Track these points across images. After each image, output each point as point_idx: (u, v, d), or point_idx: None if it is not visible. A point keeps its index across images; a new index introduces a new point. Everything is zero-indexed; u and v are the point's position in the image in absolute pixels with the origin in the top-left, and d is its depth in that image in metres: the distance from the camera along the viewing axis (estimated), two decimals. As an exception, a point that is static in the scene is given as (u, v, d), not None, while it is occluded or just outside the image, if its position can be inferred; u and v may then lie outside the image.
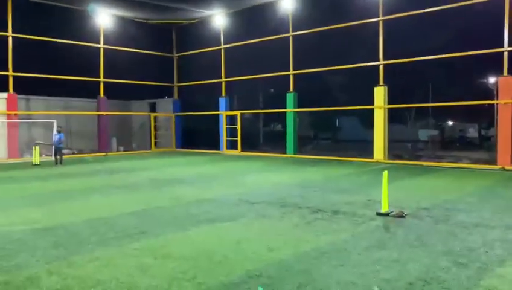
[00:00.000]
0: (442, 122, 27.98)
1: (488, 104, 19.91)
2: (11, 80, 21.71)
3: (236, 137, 25.18)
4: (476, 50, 17.00)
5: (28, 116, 24.13)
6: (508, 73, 16.13)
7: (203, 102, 28.06)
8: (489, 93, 21.63)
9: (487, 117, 24.69)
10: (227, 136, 26.01)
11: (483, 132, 26.30)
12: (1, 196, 10.63)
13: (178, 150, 28.70)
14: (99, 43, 25.15)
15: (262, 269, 5.13)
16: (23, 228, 7.25)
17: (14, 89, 21.92)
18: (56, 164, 18.86)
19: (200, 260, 5.50)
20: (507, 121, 16.05)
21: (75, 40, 24.07)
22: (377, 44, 19.33)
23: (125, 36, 26.17)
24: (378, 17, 19.22)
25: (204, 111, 27.44)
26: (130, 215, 8.21)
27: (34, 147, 19.67)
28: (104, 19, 24.95)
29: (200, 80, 27.79)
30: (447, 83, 22.89)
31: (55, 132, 20.04)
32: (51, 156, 20.35)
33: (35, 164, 18.90)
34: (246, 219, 7.87)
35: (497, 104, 16.92)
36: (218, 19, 25.77)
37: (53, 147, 19.52)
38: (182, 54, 28.97)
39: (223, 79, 26.14)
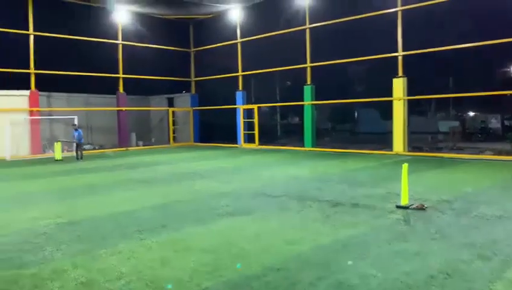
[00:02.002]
0: (463, 113, 27.46)
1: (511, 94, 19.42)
2: (32, 77, 22.15)
3: (254, 131, 25.21)
4: (498, 39, 16.59)
5: (50, 113, 24.62)
6: (532, 62, 15.72)
7: (220, 96, 28.13)
8: (512, 82, 21.11)
9: (510, 107, 24.14)
10: (244, 130, 26.06)
11: (506, 123, 25.72)
12: (26, 191, 10.91)
13: (196, 144, 28.91)
14: (117, 39, 25.43)
15: (281, 262, 5.16)
16: (48, 222, 7.43)
17: (36, 86, 22.37)
18: (77, 159, 19.26)
19: (220, 253, 5.56)
20: (531, 111, 15.66)
21: (94, 37, 24.41)
22: (396, 35, 19.05)
23: (143, 32, 26.40)
24: (397, 7, 18.93)
25: (222, 105, 27.52)
26: (151, 209, 8.34)
27: (55, 143, 20.10)
28: (122, 15, 25.22)
29: (217, 75, 27.85)
30: (468, 73, 22.42)
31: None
32: (73, 151, 20.77)
33: (57, 160, 19.31)
34: (265, 212, 7.90)
35: (520, 93, 16.52)
36: (235, 13, 25.77)
37: (75, 143, 19.94)
38: (199, 48, 29.08)
39: (240, 73, 26.15)
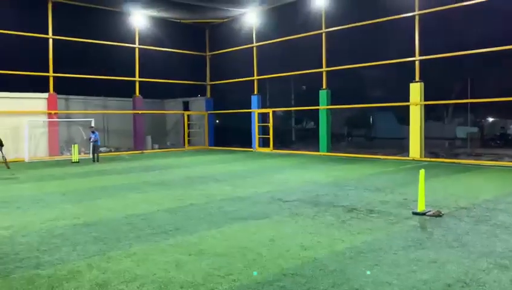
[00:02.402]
0: (481, 119, 27.00)
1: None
2: (51, 80, 22.54)
3: (269, 135, 25.20)
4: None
5: (67, 116, 25.00)
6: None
7: (235, 100, 28.22)
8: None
9: (530, 113, 23.65)
10: (259, 134, 26.07)
11: (526, 129, 25.18)
12: (44, 192, 11.07)
13: (211, 147, 29.01)
14: (134, 43, 25.73)
15: (296, 267, 5.13)
16: (65, 223, 7.53)
17: (54, 89, 22.74)
18: (94, 161, 19.49)
19: (234, 257, 5.55)
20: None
21: (111, 40, 24.75)
22: (413, 39, 18.85)
23: (160, 36, 26.67)
24: (414, 11, 18.75)
25: (237, 109, 27.60)
26: (166, 212, 8.38)
27: (73, 146, 20.39)
28: (139, 19, 25.52)
29: (232, 78, 27.95)
30: (487, 78, 22.07)
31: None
32: (89, 154, 21.04)
33: (74, 162, 19.56)
34: (279, 217, 7.87)
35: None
36: (251, 17, 25.85)
37: (91, 145, 20.22)
38: (215, 52, 29.23)
39: (255, 77, 26.20)
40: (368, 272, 4.88)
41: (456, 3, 17.61)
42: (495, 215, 7.73)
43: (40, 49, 22.33)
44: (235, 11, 25.61)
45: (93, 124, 21.58)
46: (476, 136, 25.17)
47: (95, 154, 19.79)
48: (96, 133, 20.07)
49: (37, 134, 21.99)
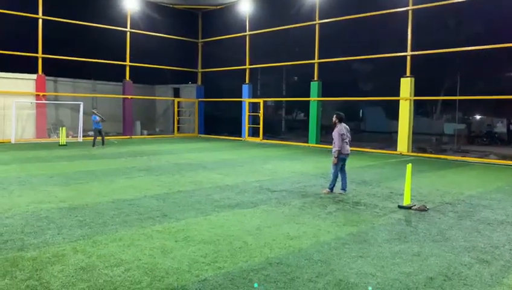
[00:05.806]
0: (469, 116, 27.26)
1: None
2: (40, 61, 22.17)
3: (259, 124, 25.18)
4: (507, 43, 16.44)
5: (56, 98, 24.66)
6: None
7: (226, 88, 28.09)
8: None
9: (517, 112, 23.92)
10: (249, 123, 26.04)
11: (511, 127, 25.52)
12: (30, 175, 10.96)
13: (200, 135, 28.92)
14: (126, 27, 25.39)
15: (281, 256, 5.17)
16: (51, 207, 7.47)
17: (43, 71, 22.39)
18: (102, 144, 18.80)
19: (220, 244, 5.57)
20: (538, 117, 15.55)
21: (103, 23, 24.37)
22: (405, 34, 18.90)
23: (152, 21, 26.35)
24: (408, 6, 18.77)
25: (228, 98, 27.48)
26: (153, 198, 8.36)
27: (60, 128, 20.12)
28: (131, 3, 25.15)
29: (224, 67, 27.79)
30: (476, 76, 22.23)
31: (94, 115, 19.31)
32: (77, 137, 20.70)
33: (61, 145, 19.36)
34: (267, 206, 7.90)
35: (528, 99, 16.38)
36: (244, 5, 25.63)
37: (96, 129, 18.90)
38: (207, 39, 28.99)
39: (247, 66, 26.07)
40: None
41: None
42: (478, 211, 7.86)
43: (30, 29, 21.92)
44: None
45: (81, 108, 21.19)
46: (463, 133, 25.43)
47: (102, 138, 18.90)
48: (95, 115, 18.63)
49: (24, 115, 21.68)
